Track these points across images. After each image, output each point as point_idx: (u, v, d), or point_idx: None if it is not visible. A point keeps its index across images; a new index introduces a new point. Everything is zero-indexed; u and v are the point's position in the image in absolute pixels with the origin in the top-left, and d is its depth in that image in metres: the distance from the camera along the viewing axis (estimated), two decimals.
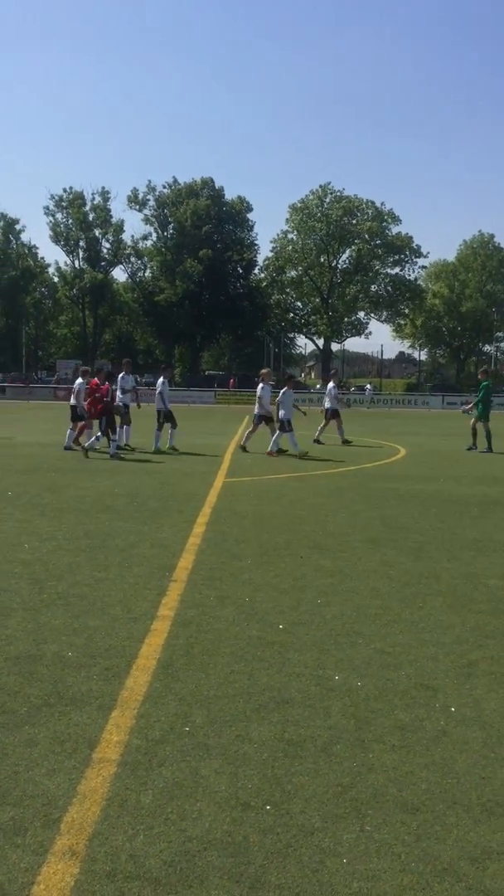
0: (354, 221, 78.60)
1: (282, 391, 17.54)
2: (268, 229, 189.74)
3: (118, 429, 16.96)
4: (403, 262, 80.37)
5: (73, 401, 17.80)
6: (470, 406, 19.94)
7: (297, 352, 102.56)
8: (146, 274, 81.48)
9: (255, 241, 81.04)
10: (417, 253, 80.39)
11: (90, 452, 16.00)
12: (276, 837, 2.86)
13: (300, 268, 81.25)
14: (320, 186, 79.88)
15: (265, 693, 4.14)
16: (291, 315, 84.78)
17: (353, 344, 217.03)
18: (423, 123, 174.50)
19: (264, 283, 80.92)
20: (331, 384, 21.30)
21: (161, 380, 17.67)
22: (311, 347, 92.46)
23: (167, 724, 3.73)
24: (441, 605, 5.87)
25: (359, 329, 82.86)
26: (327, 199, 79.24)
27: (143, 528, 8.41)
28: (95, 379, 16.55)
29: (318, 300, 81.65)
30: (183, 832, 2.87)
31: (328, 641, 4.97)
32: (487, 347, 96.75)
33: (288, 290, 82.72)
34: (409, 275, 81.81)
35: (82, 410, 17.08)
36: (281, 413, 17.16)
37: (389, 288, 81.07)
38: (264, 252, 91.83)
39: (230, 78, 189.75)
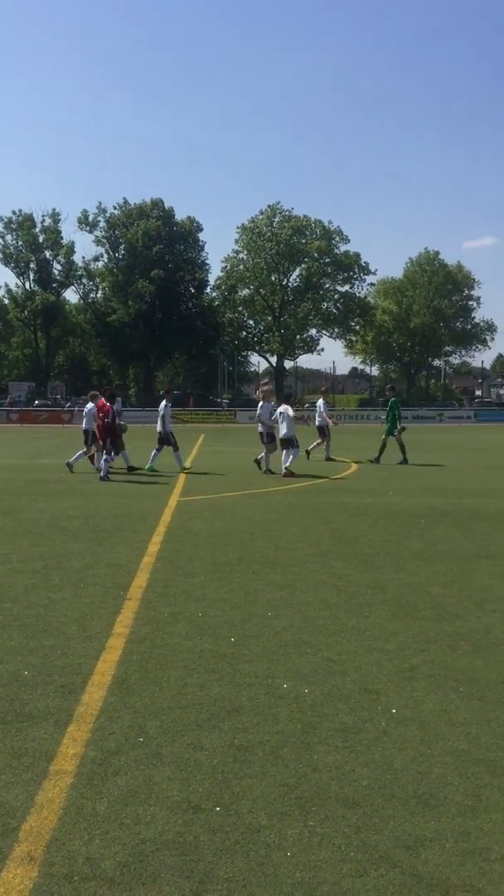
0: (304, 240, 79.58)
1: (279, 410, 17.37)
2: (219, 249, 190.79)
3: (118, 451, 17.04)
4: (353, 280, 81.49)
5: (84, 425, 18.00)
6: (399, 427, 20.31)
7: (251, 369, 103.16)
8: (98, 295, 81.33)
9: (207, 261, 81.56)
10: (366, 270, 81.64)
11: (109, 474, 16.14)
12: (225, 836, 3.03)
13: (251, 287, 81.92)
14: (269, 206, 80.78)
15: (216, 703, 4.31)
16: (244, 333, 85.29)
17: (306, 361, 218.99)
18: (369, 143, 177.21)
19: (216, 303, 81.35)
20: (321, 401, 21.54)
21: (164, 402, 17.93)
22: (264, 365, 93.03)
23: (122, 736, 3.89)
24: (386, 613, 6.11)
25: (311, 346, 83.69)
26: (276, 219, 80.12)
27: (98, 548, 8.53)
28: (102, 399, 16.82)
29: (270, 318, 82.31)
30: (137, 835, 3.03)
31: (278, 652, 5.17)
32: (437, 362, 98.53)
33: (240, 308, 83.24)
34: (359, 292, 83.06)
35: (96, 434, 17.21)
36: (283, 432, 17.05)
37: (340, 305, 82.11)
38: (215, 271, 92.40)
39: (177, 99, 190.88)
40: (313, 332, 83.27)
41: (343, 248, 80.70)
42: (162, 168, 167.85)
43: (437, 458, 22.42)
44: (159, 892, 2.69)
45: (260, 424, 17.58)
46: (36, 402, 69.21)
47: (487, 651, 5.23)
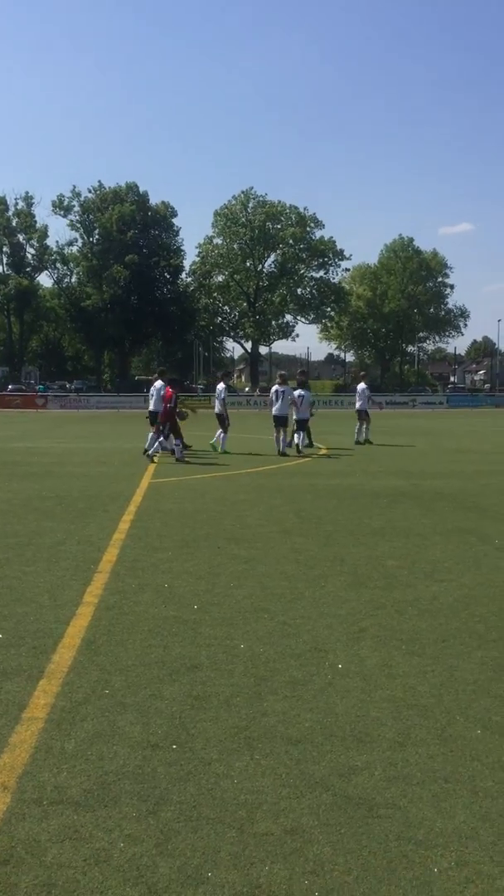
0: (278, 226, 79.78)
1: (297, 392, 19.04)
2: (194, 234, 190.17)
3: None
4: (327, 266, 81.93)
5: (153, 407, 18.25)
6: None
7: (227, 355, 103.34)
8: (72, 280, 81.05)
9: (181, 247, 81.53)
10: (341, 256, 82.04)
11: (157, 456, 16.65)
12: (180, 768, 3.40)
13: (226, 272, 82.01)
14: (242, 192, 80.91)
15: (177, 661, 4.68)
16: (219, 319, 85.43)
17: (282, 346, 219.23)
18: (346, 129, 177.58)
19: (191, 288, 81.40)
20: (362, 385, 22.18)
21: (221, 385, 18.97)
22: (239, 351, 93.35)
23: (89, 689, 4.24)
24: (342, 583, 6.50)
25: (286, 332, 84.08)
26: (250, 205, 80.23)
27: (70, 526, 8.84)
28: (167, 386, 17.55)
29: (245, 304, 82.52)
30: (101, 768, 3.39)
31: (237, 617, 5.54)
32: (410, 348, 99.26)
33: (215, 294, 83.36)
34: (334, 278, 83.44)
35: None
36: (299, 413, 18.79)
37: (315, 291, 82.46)
38: (191, 257, 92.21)
39: (153, 84, 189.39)
40: (288, 317, 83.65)
41: (318, 233, 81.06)
42: (136, 152, 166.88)
43: (404, 441, 22.88)
44: (119, 812, 3.06)
45: (275, 408, 18.28)
46: (10, 386, 69.00)
47: (432, 615, 5.64)
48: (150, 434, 17.94)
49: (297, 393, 19.00)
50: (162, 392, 17.61)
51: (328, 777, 3.33)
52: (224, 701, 4.10)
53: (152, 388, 18.40)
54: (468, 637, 5.16)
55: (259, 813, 3.06)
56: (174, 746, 3.59)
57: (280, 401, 18.16)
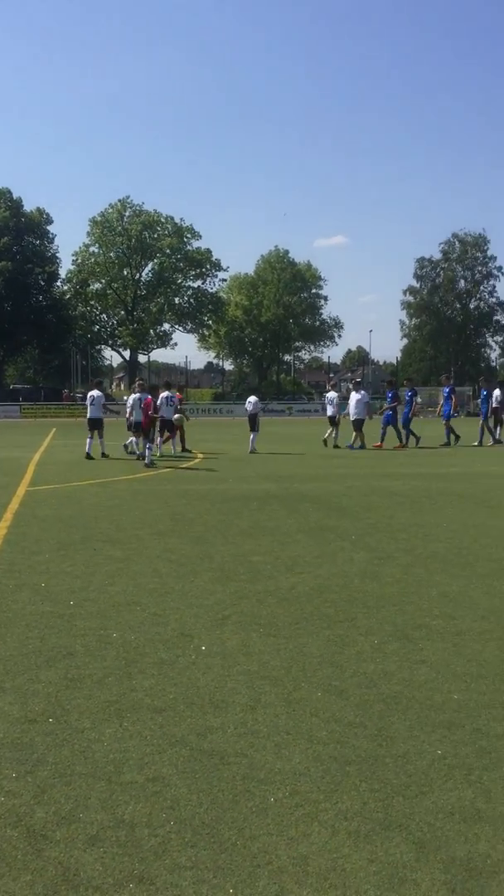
0: (155, 236, 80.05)
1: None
2: (70, 241, 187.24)
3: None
4: (205, 276, 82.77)
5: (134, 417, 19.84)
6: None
7: (106, 363, 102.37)
8: None
9: (57, 254, 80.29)
10: (217, 266, 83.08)
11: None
12: (56, 737, 3.83)
13: (103, 281, 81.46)
14: (119, 200, 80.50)
15: (54, 650, 5.08)
16: (97, 327, 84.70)
17: (161, 355, 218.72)
18: (223, 140, 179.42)
19: (68, 296, 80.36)
20: (332, 393, 23.52)
21: (166, 393, 19.94)
22: (118, 359, 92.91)
23: None
24: (210, 578, 7.03)
25: (164, 340, 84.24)
26: (127, 214, 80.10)
27: None
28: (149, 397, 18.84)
29: (122, 312, 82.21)
30: None
31: (111, 611, 5.97)
32: (287, 357, 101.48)
33: (92, 302, 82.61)
34: (211, 288, 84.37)
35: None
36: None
37: (192, 300, 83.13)
38: (66, 264, 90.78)
39: (29, 87, 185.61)
40: (166, 326, 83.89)
41: (195, 244, 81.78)
42: (8, 157, 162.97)
43: (280, 448, 23.71)
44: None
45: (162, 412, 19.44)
46: None
47: (289, 602, 6.24)
48: (131, 439, 19.88)
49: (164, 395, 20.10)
50: (162, 403, 19.52)
51: (187, 736, 3.84)
52: (97, 681, 4.54)
53: (131, 399, 20.11)
54: (319, 619, 5.79)
55: (125, 767, 3.53)
56: (50, 720, 4.01)
57: (166, 406, 19.39)
